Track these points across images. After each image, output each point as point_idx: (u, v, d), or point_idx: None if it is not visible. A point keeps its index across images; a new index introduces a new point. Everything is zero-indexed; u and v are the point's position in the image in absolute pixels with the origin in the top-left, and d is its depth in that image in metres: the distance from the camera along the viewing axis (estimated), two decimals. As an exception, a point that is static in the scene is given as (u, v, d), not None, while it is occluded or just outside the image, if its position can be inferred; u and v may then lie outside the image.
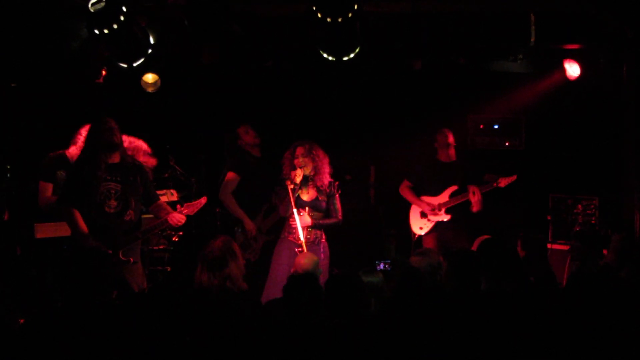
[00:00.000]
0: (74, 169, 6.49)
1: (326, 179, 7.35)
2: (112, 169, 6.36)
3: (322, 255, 7.18)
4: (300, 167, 7.18)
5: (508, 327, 4.33)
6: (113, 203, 6.34)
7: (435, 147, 8.36)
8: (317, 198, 7.33)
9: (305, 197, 7.31)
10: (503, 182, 7.95)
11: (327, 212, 7.40)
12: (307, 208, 7.27)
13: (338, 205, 7.43)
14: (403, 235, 8.47)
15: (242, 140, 8.25)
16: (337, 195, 7.42)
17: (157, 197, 6.76)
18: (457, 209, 8.11)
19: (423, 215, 8.26)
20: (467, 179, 8.15)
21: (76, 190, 6.31)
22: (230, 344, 3.95)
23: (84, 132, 6.94)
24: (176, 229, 8.20)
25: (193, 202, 6.65)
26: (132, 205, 6.43)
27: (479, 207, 7.94)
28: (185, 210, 6.57)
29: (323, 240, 7.35)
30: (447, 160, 8.29)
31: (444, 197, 8.17)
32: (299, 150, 7.27)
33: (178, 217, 6.52)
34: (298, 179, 7.14)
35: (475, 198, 7.91)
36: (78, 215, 6.26)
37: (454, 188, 8.17)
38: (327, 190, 7.36)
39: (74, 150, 7.02)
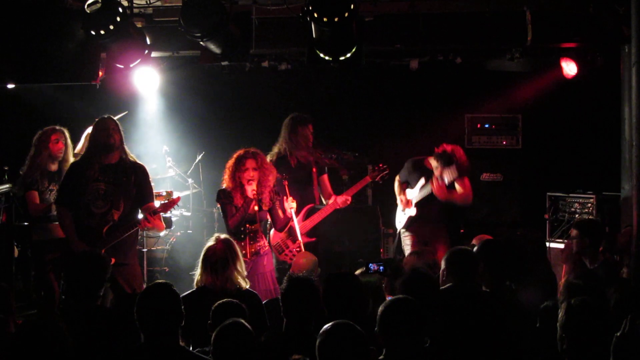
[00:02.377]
0: (69, 171, 6.53)
1: (268, 193, 7.06)
2: (106, 169, 6.38)
3: (267, 265, 7.00)
4: (248, 181, 6.88)
5: (509, 325, 4.33)
6: (100, 203, 6.37)
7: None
8: (259, 211, 6.97)
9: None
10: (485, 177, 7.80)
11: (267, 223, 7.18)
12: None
13: (277, 213, 7.18)
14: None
15: None
16: (277, 202, 7.17)
17: (149, 200, 6.72)
18: (424, 203, 7.96)
19: (401, 209, 8.22)
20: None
21: (70, 191, 6.35)
22: (229, 344, 3.94)
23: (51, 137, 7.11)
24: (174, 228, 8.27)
25: (167, 202, 6.67)
26: (119, 205, 6.42)
27: (439, 193, 7.70)
28: (160, 209, 6.57)
29: (267, 248, 7.10)
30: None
31: (414, 191, 8.07)
32: (250, 163, 6.96)
33: (145, 224, 6.51)
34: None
35: (435, 184, 7.70)
36: (69, 217, 6.36)
37: (422, 182, 8.04)
38: (270, 204, 7.07)
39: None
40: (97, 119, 6.66)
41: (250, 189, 6.87)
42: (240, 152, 7.07)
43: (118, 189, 6.41)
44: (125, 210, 6.47)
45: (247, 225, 6.95)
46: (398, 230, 8.30)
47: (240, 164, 6.95)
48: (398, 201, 8.23)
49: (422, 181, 7.91)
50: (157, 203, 6.84)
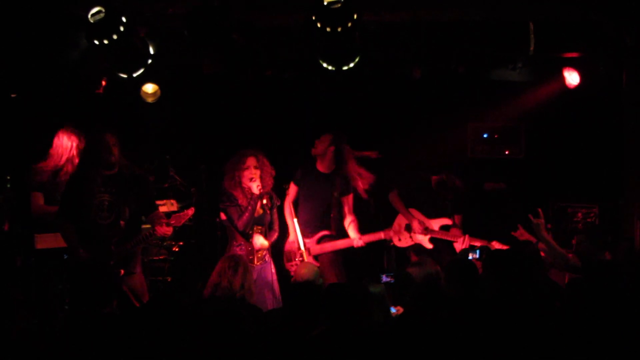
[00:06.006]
0: (70, 184, 6.47)
1: (270, 192, 7.05)
2: (107, 181, 6.34)
3: (273, 273, 6.98)
4: (251, 179, 6.86)
5: (514, 333, 4.33)
6: (105, 215, 6.32)
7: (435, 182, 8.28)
8: (264, 212, 6.97)
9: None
10: (495, 246, 7.87)
11: (269, 224, 7.08)
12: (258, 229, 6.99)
13: (276, 216, 7.16)
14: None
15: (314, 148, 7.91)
16: (276, 206, 7.15)
17: (155, 208, 6.72)
18: (440, 242, 8.06)
19: (407, 228, 8.14)
20: (459, 210, 8.15)
21: (72, 205, 6.33)
22: (234, 353, 3.94)
23: (56, 141, 7.01)
24: (176, 238, 8.26)
25: (180, 214, 6.62)
26: (125, 216, 6.39)
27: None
28: (173, 222, 6.53)
29: (268, 255, 7.07)
30: (443, 195, 8.24)
31: (435, 224, 8.09)
32: (251, 161, 6.95)
33: (164, 230, 6.45)
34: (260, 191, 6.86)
35: (462, 246, 7.81)
36: (73, 230, 6.29)
37: (447, 222, 8.07)
38: (269, 203, 7.00)
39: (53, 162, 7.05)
40: (92, 132, 6.56)
41: (256, 185, 6.81)
42: (239, 151, 7.04)
43: (122, 200, 6.39)
44: (130, 220, 6.44)
45: (255, 227, 6.92)
46: (391, 243, 8.28)
47: (240, 162, 6.92)
48: (403, 218, 8.21)
49: (445, 221, 8.04)
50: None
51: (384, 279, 5.72)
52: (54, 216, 6.71)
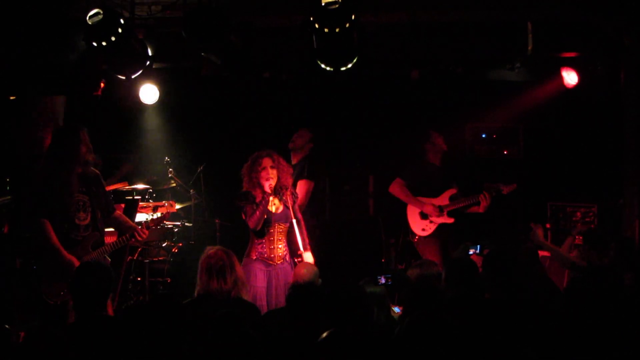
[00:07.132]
0: (44, 180, 6.13)
1: (289, 188, 7.02)
2: (79, 180, 6.17)
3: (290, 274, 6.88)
4: (267, 180, 6.80)
5: (513, 334, 4.33)
6: (82, 215, 6.12)
7: (426, 149, 8.35)
8: (285, 210, 6.94)
9: (273, 209, 6.91)
10: (505, 190, 7.98)
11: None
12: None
13: (297, 207, 7.11)
14: (403, 244, 8.46)
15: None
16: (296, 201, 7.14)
17: (114, 209, 6.63)
18: (457, 212, 8.10)
19: (423, 216, 8.21)
20: (463, 182, 8.19)
21: (47, 203, 6.04)
22: (234, 355, 3.94)
23: None
24: (173, 239, 8.28)
25: (157, 217, 6.63)
26: (98, 216, 6.28)
27: (485, 210, 8.02)
28: (152, 225, 6.50)
29: (289, 257, 7.04)
30: (438, 164, 8.30)
31: (443, 199, 8.13)
32: (267, 162, 6.92)
33: (145, 235, 6.40)
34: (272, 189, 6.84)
35: (486, 202, 7.94)
36: (50, 228, 6.00)
37: (452, 191, 8.15)
38: (291, 201, 6.96)
39: None
40: (67, 128, 6.44)
41: (267, 185, 6.80)
42: (255, 154, 7.03)
43: (94, 200, 6.24)
44: (101, 220, 6.32)
45: (277, 225, 6.90)
46: (417, 237, 8.26)
47: (256, 164, 6.89)
48: (414, 207, 8.23)
49: (451, 191, 8.20)
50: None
51: (382, 280, 5.73)
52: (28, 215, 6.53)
